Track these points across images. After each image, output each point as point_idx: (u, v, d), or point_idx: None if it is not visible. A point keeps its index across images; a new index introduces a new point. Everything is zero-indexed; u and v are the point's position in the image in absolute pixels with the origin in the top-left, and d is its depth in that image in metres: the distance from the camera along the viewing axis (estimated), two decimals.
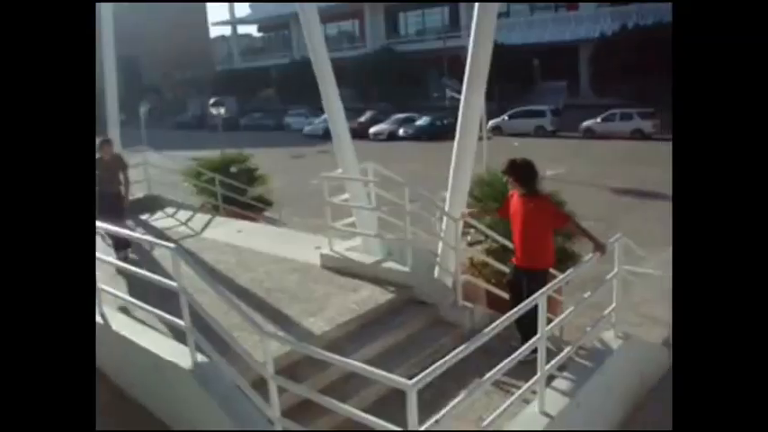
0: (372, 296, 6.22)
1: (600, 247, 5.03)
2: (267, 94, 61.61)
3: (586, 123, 33.28)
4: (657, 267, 7.96)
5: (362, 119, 39.67)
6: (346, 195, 7.45)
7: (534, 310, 4.22)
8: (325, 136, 36.86)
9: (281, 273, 7.17)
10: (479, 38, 5.80)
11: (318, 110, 38.16)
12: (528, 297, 4.37)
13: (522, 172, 5.19)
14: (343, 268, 7.00)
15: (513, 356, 4.09)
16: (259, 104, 58.64)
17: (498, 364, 4.03)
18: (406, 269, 6.47)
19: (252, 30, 74.56)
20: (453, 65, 41.09)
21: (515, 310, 4.19)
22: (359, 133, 30.12)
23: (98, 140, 7.69)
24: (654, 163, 24.60)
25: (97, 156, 7.81)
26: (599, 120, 32.85)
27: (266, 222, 13.15)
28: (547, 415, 4.32)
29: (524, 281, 5.23)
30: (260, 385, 4.18)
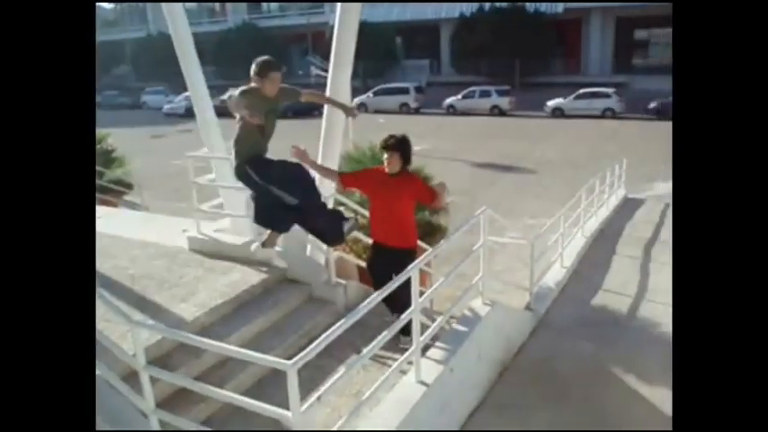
0: (244, 278, 6.09)
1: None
2: (122, 70, 58.09)
3: (448, 100, 34.47)
4: (517, 236, 8.45)
5: (225, 97, 38.40)
6: (212, 175, 7.21)
7: (407, 284, 4.31)
8: (187, 115, 35.48)
9: (146, 258, 6.83)
10: (345, 14, 5.78)
11: (179, 87, 36.75)
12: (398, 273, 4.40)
13: (407, 148, 5.17)
14: (212, 251, 6.79)
15: (389, 329, 4.17)
16: (113, 81, 55.19)
17: (374, 337, 4.10)
18: (278, 248, 6.39)
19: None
20: (317, 41, 40.82)
21: (391, 284, 4.25)
22: (221, 112, 28.89)
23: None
24: (510, 137, 25.99)
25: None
26: (460, 97, 34.13)
27: (126, 207, 12.48)
28: (423, 383, 4.46)
29: (393, 259, 5.10)
30: (131, 378, 3.98)
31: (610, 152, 20.35)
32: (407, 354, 4.41)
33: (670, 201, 14.94)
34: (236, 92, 4.84)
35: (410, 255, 5.10)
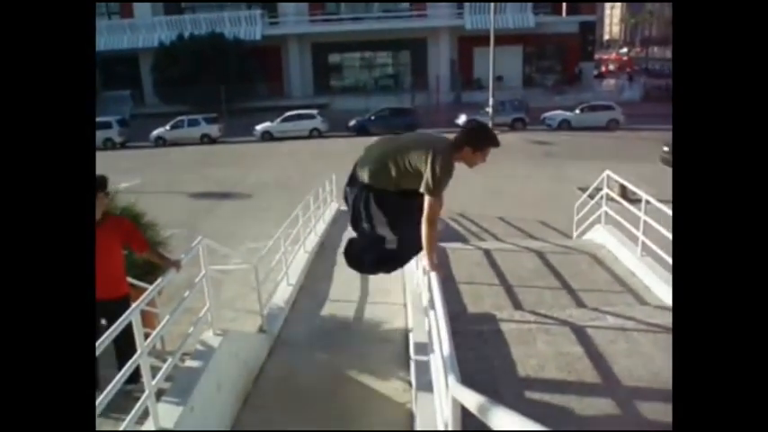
0: None
1: (175, 264, 5.07)
2: None
3: (156, 131, 33.11)
4: (241, 262, 8.49)
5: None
6: None
7: (129, 330, 4.05)
8: None
9: None
10: None
11: None
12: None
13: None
14: None
15: (112, 384, 3.84)
16: None
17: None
18: None
19: None
20: None
21: (108, 333, 3.94)
22: None
23: None
24: (224, 164, 25.92)
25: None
26: (168, 127, 33.01)
27: None
28: (163, 430, 4.26)
29: (107, 314, 4.69)
30: None
31: (320, 169, 21.42)
32: (140, 402, 4.16)
33: None
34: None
35: (126, 303, 4.68)
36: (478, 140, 4.16)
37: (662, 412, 3.73)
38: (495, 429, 1.92)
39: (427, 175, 4.00)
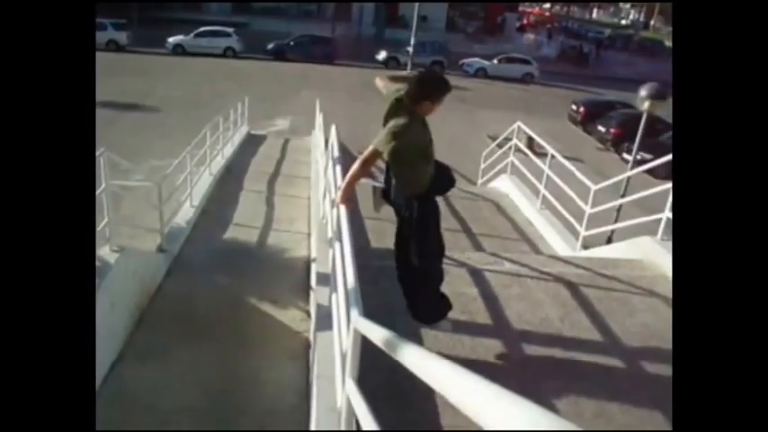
0: None
1: None
2: None
3: None
4: (143, 179, 8.19)
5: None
6: None
7: None
8: None
9: None
10: None
11: None
12: None
13: None
14: None
15: None
16: None
17: None
18: None
19: None
20: None
21: None
22: None
23: None
24: (131, 74, 24.57)
25: None
26: None
27: None
28: None
29: None
30: None
31: (232, 90, 20.76)
32: None
33: (289, 136, 16.04)
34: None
35: None
36: (437, 93, 4.16)
37: (544, 352, 4.00)
38: (400, 360, 1.98)
39: (380, 134, 3.99)
